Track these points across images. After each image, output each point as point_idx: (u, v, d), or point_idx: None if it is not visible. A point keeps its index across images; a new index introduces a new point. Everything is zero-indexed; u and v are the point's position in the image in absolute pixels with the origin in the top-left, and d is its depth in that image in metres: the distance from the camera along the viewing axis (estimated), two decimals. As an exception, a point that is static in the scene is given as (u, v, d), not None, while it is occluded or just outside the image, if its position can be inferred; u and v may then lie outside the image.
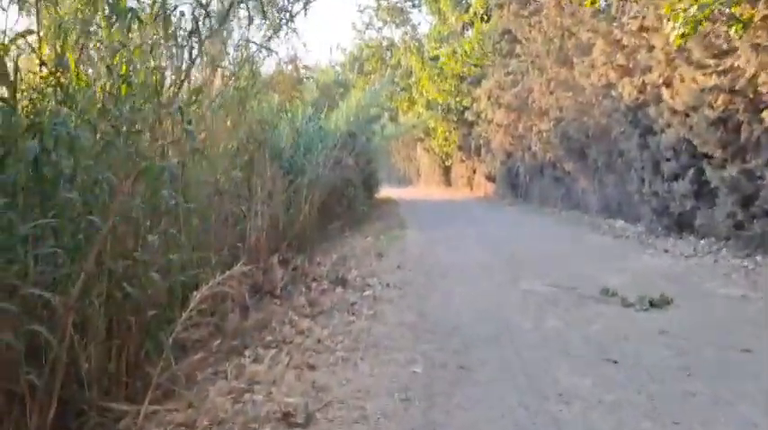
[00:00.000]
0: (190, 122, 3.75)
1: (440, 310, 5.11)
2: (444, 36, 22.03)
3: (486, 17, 19.72)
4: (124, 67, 2.96)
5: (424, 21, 39.62)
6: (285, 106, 8.92)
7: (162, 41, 3.38)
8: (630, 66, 9.04)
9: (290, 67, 7.59)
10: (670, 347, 3.88)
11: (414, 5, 30.02)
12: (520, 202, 17.74)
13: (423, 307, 5.23)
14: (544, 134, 14.75)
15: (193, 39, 3.54)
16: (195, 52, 3.64)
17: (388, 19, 30.11)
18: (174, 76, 3.62)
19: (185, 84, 3.84)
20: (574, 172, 13.34)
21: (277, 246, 8.49)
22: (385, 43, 32.62)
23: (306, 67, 8.21)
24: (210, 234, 6.10)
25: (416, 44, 26.06)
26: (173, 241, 3.67)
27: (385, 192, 27.84)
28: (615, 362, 3.60)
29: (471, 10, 21.01)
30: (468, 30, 22.32)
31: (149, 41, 3.22)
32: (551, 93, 12.99)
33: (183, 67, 3.65)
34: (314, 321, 4.86)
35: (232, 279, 4.41)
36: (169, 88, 3.47)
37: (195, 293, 3.93)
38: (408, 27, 29.90)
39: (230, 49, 6.91)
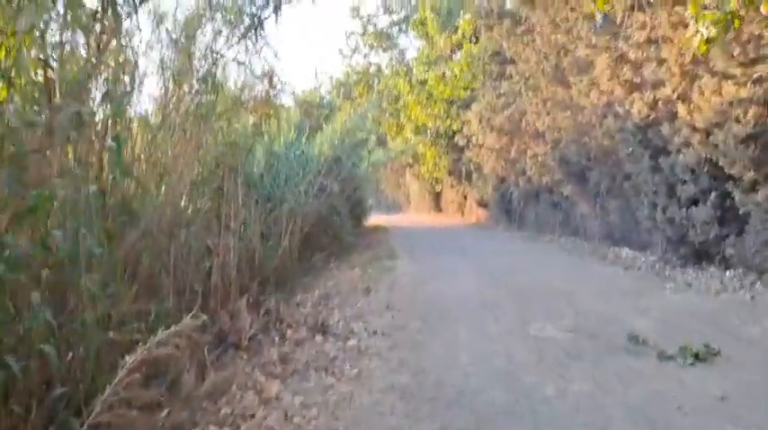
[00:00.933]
0: (116, 139, 2.87)
1: (439, 367, 4.20)
2: (432, 60, 21.47)
3: (475, 39, 19.18)
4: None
5: (411, 46, 39.16)
6: (261, 128, 8.07)
7: (68, 23, 2.51)
8: (638, 81, 8.32)
9: (264, 81, 6.77)
10: (738, 423, 3.00)
11: (401, 30, 29.65)
12: (514, 229, 16.95)
13: (418, 362, 4.32)
14: (539, 157, 14.02)
15: (105, 20, 2.67)
16: (106, 40, 2.78)
17: (375, 44, 29.66)
18: (88, 71, 2.75)
19: (103, 85, 2.98)
20: (573, 196, 12.57)
21: (251, 283, 7.59)
22: (372, 69, 32.16)
23: (281, 83, 7.36)
24: (165, 276, 5.21)
25: (404, 68, 25.51)
26: (87, 294, 2.77)
27: (374, 219, 27.02)
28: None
29: (459, 32, 20.48)
30: (456, 53, 21.77)
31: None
32: (547, 113, 12.29)
33: (94, 59, 2.79)
34: (284, 384, 3.94)
35: (183, 334, 3.52)
36: (73, 89, 2.60)
37: (126, 359, 3.07)
38: (395, 52, 29.48)
39: (196, 62, 6.07)
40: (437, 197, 30.64)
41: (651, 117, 7.90)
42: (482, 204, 21.47)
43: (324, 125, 12.26)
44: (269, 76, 6.90)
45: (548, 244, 12.86)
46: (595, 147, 10.45)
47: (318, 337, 5.14)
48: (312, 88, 13.19)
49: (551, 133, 12.24)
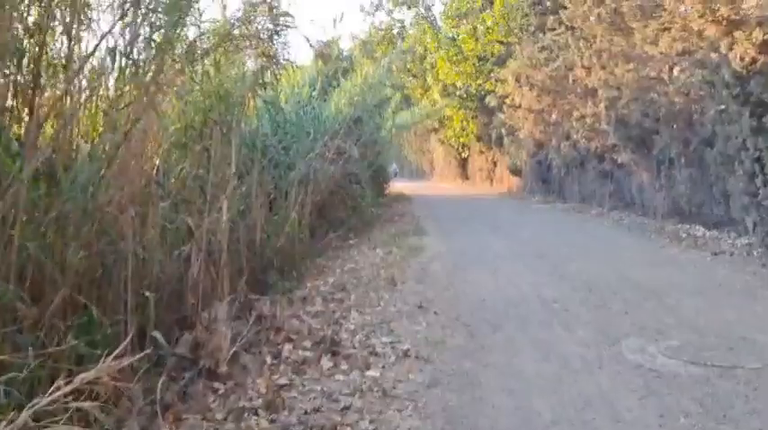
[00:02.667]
0: None
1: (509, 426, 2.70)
2: (462, 13, 19.48)
3: (512, -14, 17.18)
4: None
5: (438, 1, 36.52)
6: (262, 77, 6.50)
7: None
8: (737, 18, 6.54)
9: (264, 11, 5.21)
10: None
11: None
12: (554, 200, 15.26)
13: (475, 421, 2.82)
14: (588, 119, 12.25)
15: None
16: None
17: (400, 0, 27.57)
18: None
19: None
20: (630, 164, 10.84)
21: (251, 273, 6.13)
22: (396, 28, 30.17)
23: (286, 15, 5.75)
24: (118, 270, 3.78)
25: (431, 24, 23.52)
26: None
27: (397, 187, 25.49)
28: None
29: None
30: (488, 8, 19.75)
31: None
32: (602, 67, 10.48)
33: None
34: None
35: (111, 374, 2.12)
36: None
37: None
38: (421, 8, 27.39)
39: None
40: (464, 164, 28.91)
41: (759, 62, 6.15)
42: (515, 172, 19.74)
43: (342, 80, 10.61)
44: (269, 3, 5.34)
45: (598, 219, 11.19)
46: (665, 105, 8.69)
47: (326, 361, 3.67)
48: (330, 39, 11.57)
49: (606, 90, 10.45)
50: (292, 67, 6.88)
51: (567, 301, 5.00)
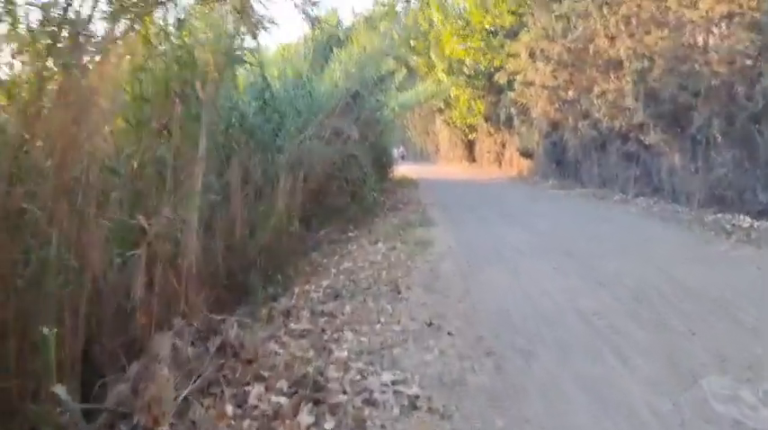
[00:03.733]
0: None
1: None
2: (471, -18, 18.22)
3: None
4: None
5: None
6: (239, 42, 5.45)
7: None
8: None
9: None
10: None
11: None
12: (570, 184, 14.18)
13: None
14: (610, 95, 11.16)
15: None
16: None
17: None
18: None
19: None
20: (659, 145, 9.76)
21: (230, 276, 5.18)
22: (401, 2, 28.85)
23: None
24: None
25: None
26: None
27: (401, 170, 24.40)
28: None
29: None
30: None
31: None
32: (630, 35, 9.36)
33: None
34: None
35: None
36: None
37: None
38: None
39: None
40: (470, 146, 27.77)
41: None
42: (526, 155, 18.63)
43: (339, 53, 9.52)
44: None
45: (623, 206, 10.14)
46: (707, 75, 7.59)
47: (305, 415, 2.69)
48: (329, 10, 10.45)
49: (635, 62, 9.34)
50: (272, 26, 5.82)
51: (613, 316, 4.00)
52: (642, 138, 10.25)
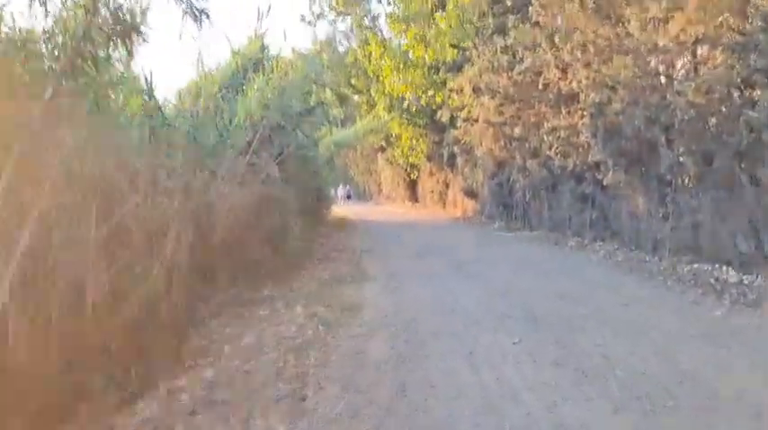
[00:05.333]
0: None
1: None
2: (411, 16, 17.35)
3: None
4: None
5: (384, 12, 33.91)
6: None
7: None
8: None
9: None
10: None
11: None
12: (519, 227, 13.10)
13: None
14: (563, 132, 10.19)
15: None
16: None
17: (343, 10, 25.28)
18: None
19: None
20: (619, 186, 8.74)
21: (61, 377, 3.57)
22: (339, 39, 28.03)
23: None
24: None
25: (376, 33, 21.38)
26: None
27: (342, 211, 23.03)
28: None
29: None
30: (439, 10, 17.67)
31: None
32: (587, 65, 8.39)
33: None
34: None
35: None
36: None
37: None
38: (366, 19, 25.17)
39: None
40: (413, 186, 26.74)
41: None
42: (470, 195, 17.60)
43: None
44: None
45: (580, 253, 9.02)
46: (681, 107, 6.59)
47: None
48: (254, 35, 9.09)
49: (593, 94, 8.35)
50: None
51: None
52: (599, 177, 9.23)
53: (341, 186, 39.27)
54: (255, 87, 7.30)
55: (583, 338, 4.30)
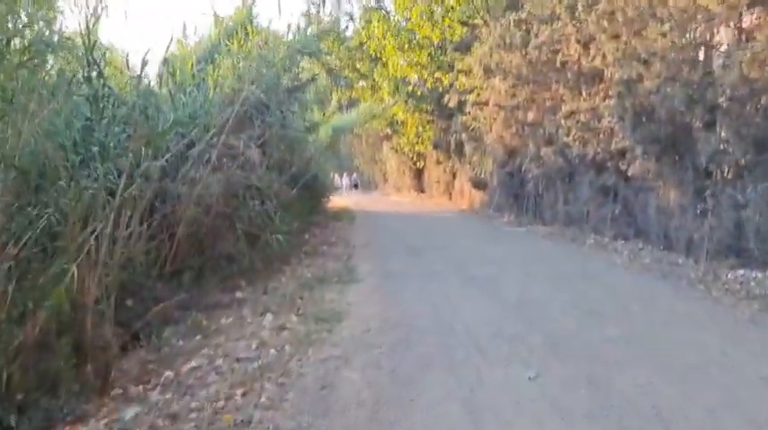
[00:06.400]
0: None
1: None
2: (417, -7, 16.16)
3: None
4: None
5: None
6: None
7: None
8: None
9: None
10: None
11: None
12: (530, 221, 12.04)
13: None
14: (582, 116, 9.10)
15: None
16: None
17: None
18: None
19: None
20: (647, 176, 7.66)
21: None
22: (344, 21, 26.82)
23: None
24: None
25: (381, 12, 20.18)
26: None
27: (341, 200, 22.01)
28: None
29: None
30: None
31: None
32: (615, 37, 7.29)
33: None
34: None
35: None
36: None
37: None
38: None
39: None
40: (419, 175, 25.65)
41: None
42: (478, 186, 16.51)
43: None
44: None
45: (603, 253, 7.95)
46: (733, 83, 5.49)
47: None
48: (242, 4, 8.07)
49: (622, 69, 7.25)
50: None
51: None
52: (623, 167, 8.15)
53: (346, 176, 38.19)
54: (230, 55, 6.23)
55: (621, 376, 3.27)
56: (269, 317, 5.02)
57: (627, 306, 4.90)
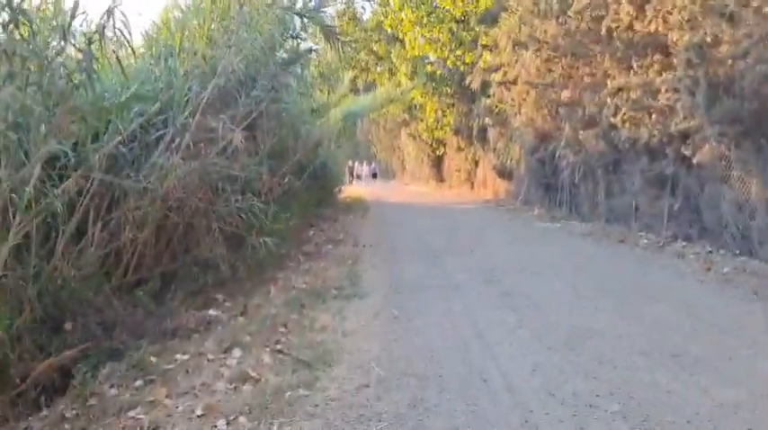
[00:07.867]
0: None
1: None
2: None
3: None
4: None
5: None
6: None
7: None
8: None
9: None
10: None
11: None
12: (563, 216, 10.63)
13: None
14: (633, 93, 7.65)
15: None
16: None
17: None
18: None
19: None
20: (722, 165, 6.23)
21: None
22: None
23: None
24: None
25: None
26: None
27: (356, 190, 20.80)
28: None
29: None
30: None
31: None
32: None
33: None
34: None
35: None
36: None
37: None
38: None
39: None
40: (438, 163, 24.22)
41: None
42: (503, 175, 15.08)
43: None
44: None
45: (661, 257, 6.55)
46: None
47: None
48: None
49: (693, 32, 5.79)
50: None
51: None
52: (686, 153, 6.72)
53: (365, 164, 36.91)
54: (202, 14, 4.93)
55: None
56: (236, 353, 3.75)
57: (724, 344, 3.52)
